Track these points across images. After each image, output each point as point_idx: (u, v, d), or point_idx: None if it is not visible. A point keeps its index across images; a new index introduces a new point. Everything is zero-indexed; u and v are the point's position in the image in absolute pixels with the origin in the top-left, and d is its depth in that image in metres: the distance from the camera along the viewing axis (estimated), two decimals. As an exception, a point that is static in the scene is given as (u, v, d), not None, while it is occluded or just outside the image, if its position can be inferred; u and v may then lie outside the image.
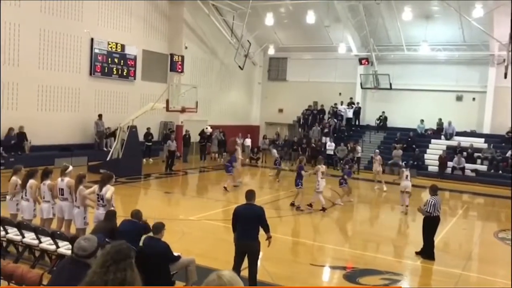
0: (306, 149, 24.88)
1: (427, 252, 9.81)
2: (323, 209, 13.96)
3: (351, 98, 27.87)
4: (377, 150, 22.30)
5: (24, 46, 18.42)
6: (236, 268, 7.05)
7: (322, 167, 14.38)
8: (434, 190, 10.05)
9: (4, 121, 17.51)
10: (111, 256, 3.05)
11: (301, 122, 28.38)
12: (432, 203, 9.77)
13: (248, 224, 7.26)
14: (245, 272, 8.05)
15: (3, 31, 17.63)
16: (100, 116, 21.10)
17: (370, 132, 26.68)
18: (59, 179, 8.87)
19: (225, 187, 16.56)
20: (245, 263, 7.22)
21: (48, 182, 8.90)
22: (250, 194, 7.51)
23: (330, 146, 24.27)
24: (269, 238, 7.40)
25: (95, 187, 8.45)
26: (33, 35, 18.79)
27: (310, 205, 14.09)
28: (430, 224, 9.87)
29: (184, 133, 24.05)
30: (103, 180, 8.41)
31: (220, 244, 9.61)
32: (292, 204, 14.31)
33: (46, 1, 19.05)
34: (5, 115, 17.69)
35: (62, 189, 8.79)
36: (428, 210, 9.76)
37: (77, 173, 9.12)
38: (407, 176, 15.23)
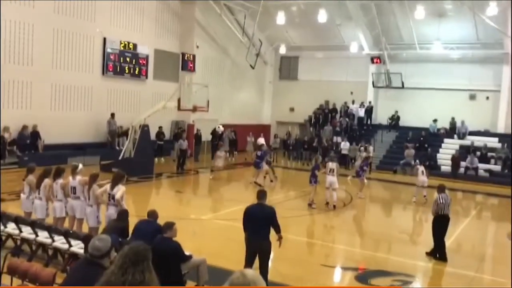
0: (317, 148, 24.78)
1: (439, 253, 9.71)
2: (326, 204, 14.20)
3: (363, 102, 27.65)
4: (362, 147, 22.72)
5: (38, 46, 18.62)
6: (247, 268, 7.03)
7: (332, 164, 14.49)
8: (441, 189, 10.06)
9: (18, 120, 17.78)
10: (129, 258, 3.09)
11: (312, 121, 28.28)
12: (440, 198, 9.74)
13: (259, 224, 7.24)
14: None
15: (18, 30, 17.91)
16: (112, 115, 21.25)
17: (382, 131, 26.51)
18: (71, 177, 8.95)
19: (255, 182, 17.04)
20: (256, 263, 7.22)
21: (60, 181, 8.96)
22: (262, 194, 7.50)
23: (345, 145, 24.14)
24: (280, 238, 7.38)
25: (107, 186, 8.52)
26: (47, 35, 18.99)
27: (327, 204, 14.28)
28: (440, 224, 9.79)
29: (195, 131, 24.11)
30: (115, 179, 8.45)
31: (232, 244, 9.62)
32: (310, 205, 14.29)
33: (59, 2, 19.25)
34: (19, 114, 17.96)
35: (74, 188, 8.85)
36: (441, 202, 9.71)
37: (89, 172, 9.21)
38: (422, 171, 15.62)
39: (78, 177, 8.88)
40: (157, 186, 18.05)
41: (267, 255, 7.29)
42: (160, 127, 22.51)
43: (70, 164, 14.59)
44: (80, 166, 9.13)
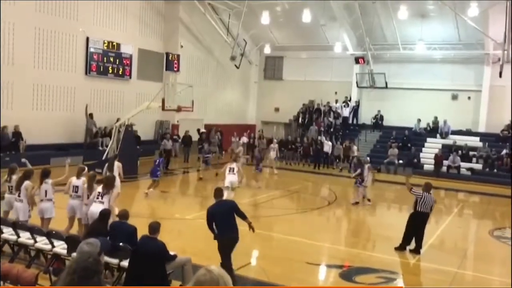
0: (299, 148, 24.86)
1: (415, 247, 9.93)
2: None
3: (346, 97, 27.89)
4: (275, 140, 23.18)
5: (20, 45, 18.35)
6: (227, 264, 7.21)
7: (232, 164, 14.25)
8: (428, 188, 10.14)
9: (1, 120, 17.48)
10: (78, 274, 2.75)
11: (299, 121, 28.34)
12: (423, 196, 9.86)
13: (227, 219, 7.57)
14: (242, 271, 8.08)
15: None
16: (90, 115, 20.90)
17: (365, 131, 26.71)
18: (74, 177, 9.24)
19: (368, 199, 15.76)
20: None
21: (50, 180, 8.96)
22: (219, 192, 7.95)
23: (328, 144, 24.28)
24: (250, 223, 7.70)
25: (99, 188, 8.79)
26: (29, 34, 18.72)
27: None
28: (420, 220, 9.94)
29: (184, 133, 23.87)
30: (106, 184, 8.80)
31: (215, 243, 9.58)
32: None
33: (41, 1, 19.00)
34: (1, 114, 17.64)
35: (77, 187, 9.08)
36: (418, 194, 9.89)
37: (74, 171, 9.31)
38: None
39: (82, 178, 9.19)
40: (141, 186, 17.89)
41: (235, 245, 7.60)
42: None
43: (53, 164, 14.49)
44: (86, 168, 9.51)
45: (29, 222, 8.65)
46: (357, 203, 15.07)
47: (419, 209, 9.89)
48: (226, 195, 13.87)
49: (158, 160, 15.54)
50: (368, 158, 16.34)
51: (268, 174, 21.58)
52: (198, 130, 24.14)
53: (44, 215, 8.89)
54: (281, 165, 23.55)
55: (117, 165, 12.11)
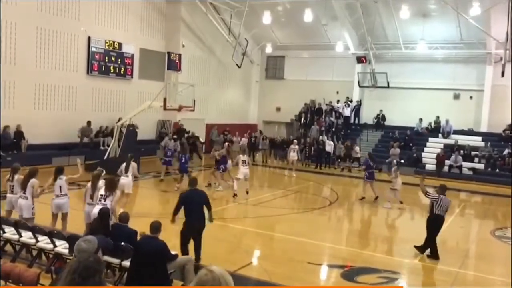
0: (303, 148, 24.84)
1: (431, 251, 9.84)
2: (234, 195, 14.56)
3: (348, 97, 27.87)
4: (296, 140, 22.96)
5: (21, 45, 18.37)
6: (185, 250, 7.80)
7: (243, 157, 15.16)
8: (443, 190, 9.99)
9: (1, 120, 17.50)
10: (79, 273, 2.75)
11: (301, 121, 28.33)
12: (439, 199, 9.74)
13: (198, 207, 8.05)
14: (244, 271, 8.09)
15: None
16: (88, 123, 20.67)
17: (367, 130, 26.68)
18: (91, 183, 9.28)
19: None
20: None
21: (64, 177, 9.14)
22: (193, 181, 8.41)
23: (330, 144, 24.27)
24: (211, 217, 8.43)
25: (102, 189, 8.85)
26: (30, 34, 18.75)
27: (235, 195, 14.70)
28: (437, 223, 9.86)
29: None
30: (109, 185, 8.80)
31: (218, 243, 9.59)
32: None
33: (43, 0, 19.02)
34: (2, 113, 17.66)
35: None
36: (434, 197, 9.79)
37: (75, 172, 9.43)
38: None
39: (101, 181, 9.24)
40: (143, 185, 17.91)
41: (201, 235, 8.04)
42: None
43: (54, 163, 14.49)
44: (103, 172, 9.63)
45: (34, 220, 8.72)
46: (377, 198, 15.64)
47: (436, 212, 9.77)
48: (235, 186, 14.61)
49: (184, 157, 16.22)
50: (395, 161, 16.57)
51: (270, 174, 21.58)
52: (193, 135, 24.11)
53: (61, 210, 9.14)
54: (283, 165, 23.52)
55: (132, 165, 12.20)
